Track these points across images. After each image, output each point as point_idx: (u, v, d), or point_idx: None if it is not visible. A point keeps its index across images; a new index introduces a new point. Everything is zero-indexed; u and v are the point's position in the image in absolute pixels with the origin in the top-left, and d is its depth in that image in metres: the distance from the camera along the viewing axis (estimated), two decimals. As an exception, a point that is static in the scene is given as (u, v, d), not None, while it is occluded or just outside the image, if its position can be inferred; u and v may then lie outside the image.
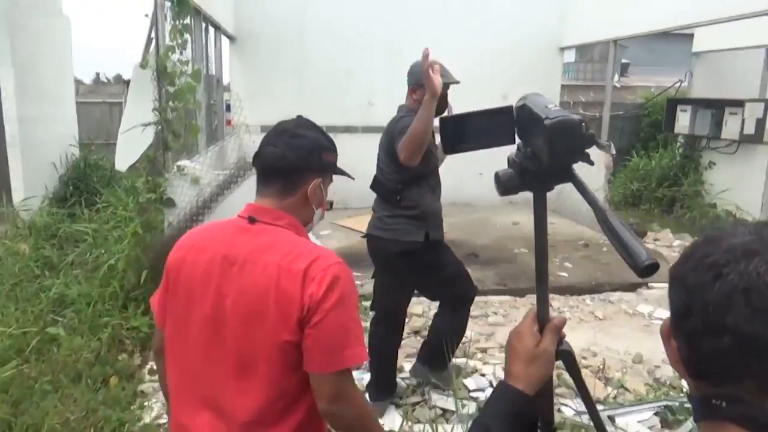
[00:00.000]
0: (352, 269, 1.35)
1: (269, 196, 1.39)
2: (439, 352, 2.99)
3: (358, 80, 7.63)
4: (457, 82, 2.85)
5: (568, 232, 6.72)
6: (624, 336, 3.93)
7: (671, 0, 6.03)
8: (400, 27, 7.77)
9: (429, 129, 2.50)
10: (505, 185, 0.94)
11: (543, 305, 1.01)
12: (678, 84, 9.18)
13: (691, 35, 8.81)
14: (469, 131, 0.97)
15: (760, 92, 7.62)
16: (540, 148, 0.87)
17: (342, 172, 1.51)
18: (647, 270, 0.76)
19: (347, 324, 1.27)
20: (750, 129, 7.29)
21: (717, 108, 7.77)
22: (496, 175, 0.95)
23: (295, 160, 1.37)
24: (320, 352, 1.24)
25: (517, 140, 0.94)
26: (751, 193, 7.21)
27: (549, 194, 0.96)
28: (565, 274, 5.13)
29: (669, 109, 8.59)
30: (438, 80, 2.41)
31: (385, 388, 3.05)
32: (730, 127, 7.50)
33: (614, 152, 6.88)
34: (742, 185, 7.40)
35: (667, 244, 6.33)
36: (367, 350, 1.88)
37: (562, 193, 6.29)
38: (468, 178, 8.21)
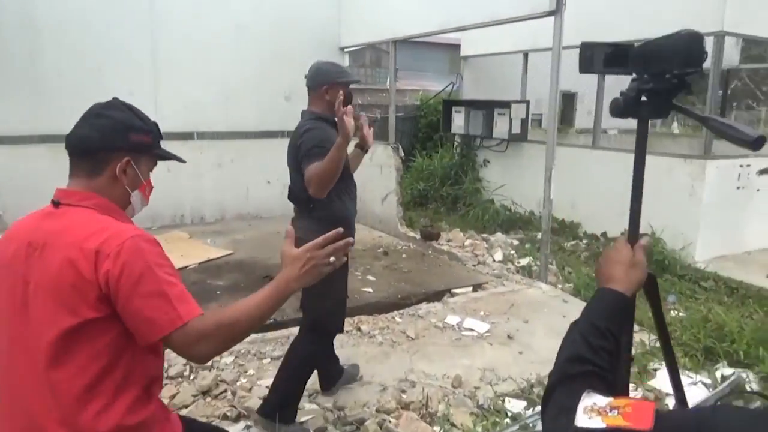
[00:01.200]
0: None
1: (78, 177, 1.40)
2: (289, 394, 2.78)
3: (112, 79, 6.38)
4: (358, 81, 2.89)
5: (366, 240, 6.43)
6: (439, 356, 3.65)
7: (443, 6, 6.12)
8: (163, 22, 6.74)
9: (340, 169, 2.46)
10: (614, 110, 1.28)
11: (634, 226, 1.28)
12: (450, 87, 9.64)
13: (448, 45, 9.32)
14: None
15: (521, 94, 8.27)
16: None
17: (167, 156, 1.52)
18: (757, 142, 1.07)
19: (161, 289, 1.26)
20: (516, 128, 7.84)
21: (487, 109, 8.24)
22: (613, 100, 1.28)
23: (97, 139, 1.38)
24: (148, 321, 1.25)
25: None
26: (522, 187, 7.76)
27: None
28: (370, 290, 4.75)
29: (445, 110, 8.91)
30: (351, 123, 2.36)
31: (290, 410, 2.77)
32: (500, 127, 7.99)
33: (402, 154, 6.79)
34: (514, 181, 7.93)
35: (460, 245, 6.40)
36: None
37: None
38: (255, 186, 7.53)
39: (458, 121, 8.74)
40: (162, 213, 7.00)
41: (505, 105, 7.85)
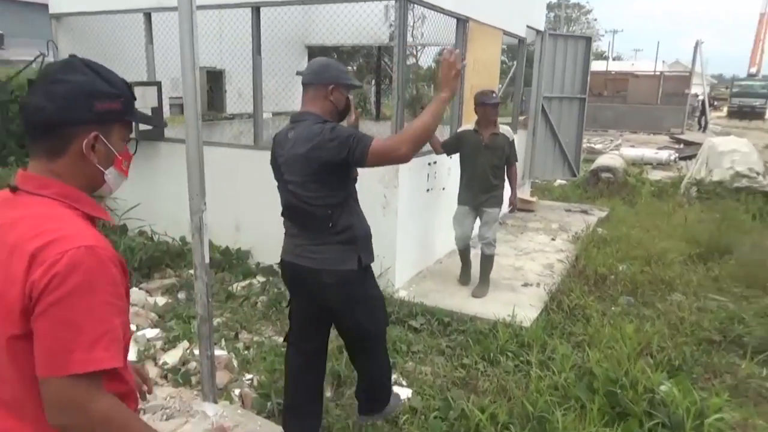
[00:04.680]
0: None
1: (37, 158, 1.19)
2: (380, 394, 2.82)
3: None
4: (361, 86, 2.96)
5: None
6: None
7: None
8: None
9: (437, 126, 2.32)
10: None
11: None
12: (41, 58, 6.56)
13: None
14: None
15: (149, 72, 5.90)
16: None
17: (142, 119, 1.34)
18: None
19: (80, 320, 1.05)
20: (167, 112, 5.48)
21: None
22: None
23: (54, 112, 1.15)
24: (42, 353, 1.04)
25: None
26: (163, 205, 5.55)
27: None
28: None
29: (34, 95, 5.91)
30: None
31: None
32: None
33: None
34: (152, 197, 5.63)
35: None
36: None
37: None
38: None
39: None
40: None
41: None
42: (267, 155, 5.26)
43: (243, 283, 4.81)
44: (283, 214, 2.58)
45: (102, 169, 1.22)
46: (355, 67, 27.66)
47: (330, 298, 2.51)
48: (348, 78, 2.48)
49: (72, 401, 1.04)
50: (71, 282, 1.03)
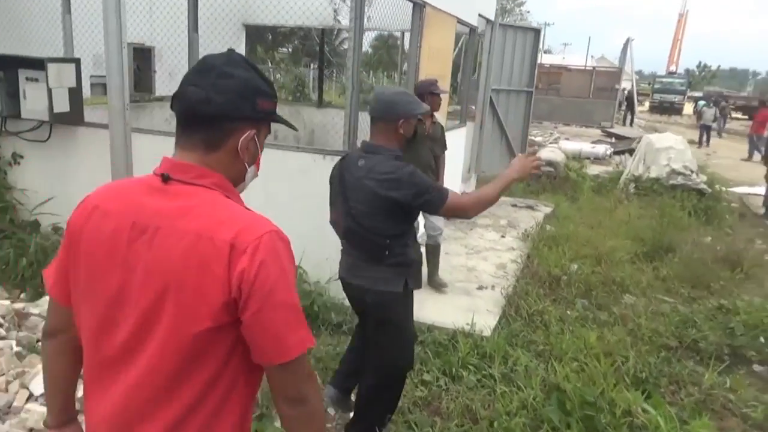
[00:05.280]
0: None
1: (191, 149, 1.14)
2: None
3: None
4: (428, 111, 3.07)
5: None
6: None
7: None
8: None
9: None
10: None
11: None
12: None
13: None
14: None
15: (66, 47, 5.21)
16: None
17: (283, 121, 1.27)
18: None
19: (293, 301, 1.09)
20: (62, 104, 4.83)
21: (8, 71, 4.94)
22: None
23: (222, 105, 1.12)
24: (271, 340, 1.06)
25: None
26: (77, 198, 4.92)
27: None
28: None
29: (-75, 68, 5.09)
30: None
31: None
32: (33, 102, 4.85)
33: None
34: (69, 188, 4.98)
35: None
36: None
37: None
38: None
39: (-46, 87, 5.11)
40: None
41: (38, 64, 4.73)
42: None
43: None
44: (340, 234, 2.69)
45: (247, 166, 1.21)
46: (290, 49, 26.76)
47: (372, 317, 2.66)
48: (416, 108, 2.54)
49: (309, 376, 1.12)
50: (277, 267, 1.05)
